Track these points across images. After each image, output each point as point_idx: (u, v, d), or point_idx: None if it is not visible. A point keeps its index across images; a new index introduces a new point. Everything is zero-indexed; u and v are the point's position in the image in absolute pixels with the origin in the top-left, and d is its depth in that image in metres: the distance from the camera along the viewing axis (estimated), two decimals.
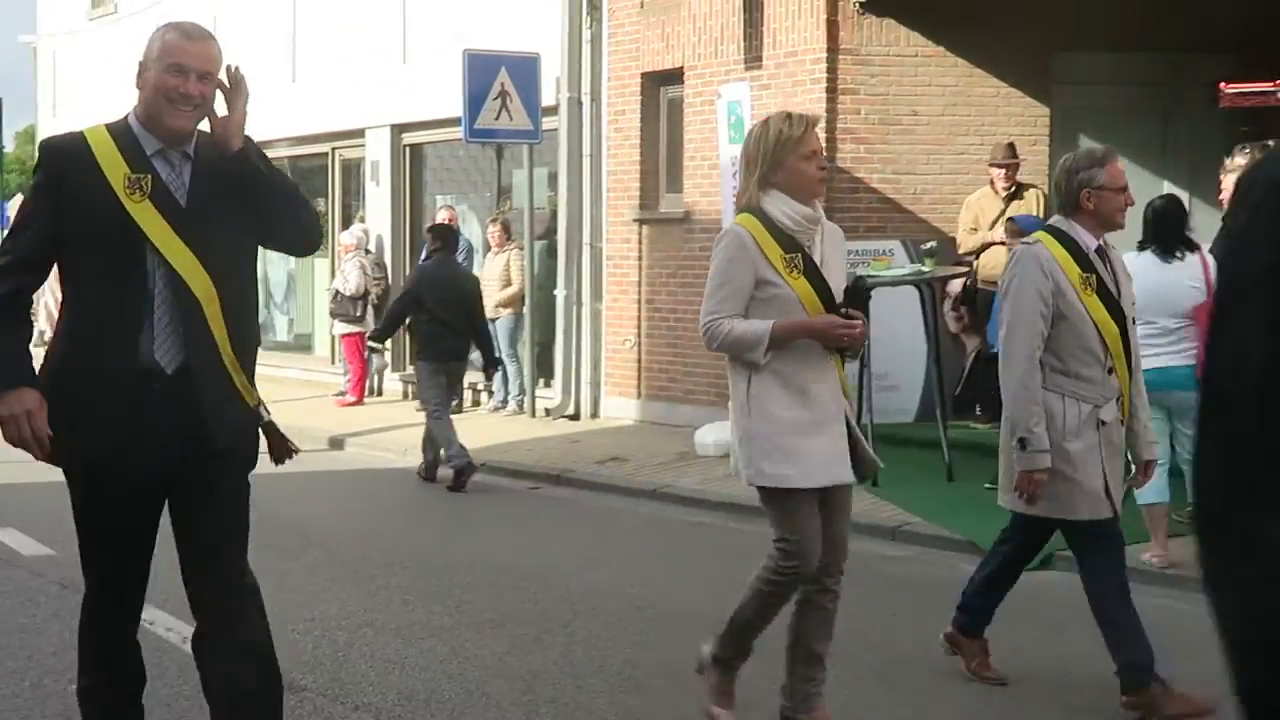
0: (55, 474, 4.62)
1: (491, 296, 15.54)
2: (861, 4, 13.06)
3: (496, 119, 15.40)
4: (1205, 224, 10.76)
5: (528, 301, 15.90)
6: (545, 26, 15.53)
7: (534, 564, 9.29)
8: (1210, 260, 8.29)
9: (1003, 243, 11.39)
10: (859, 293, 5.30)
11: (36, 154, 4.65)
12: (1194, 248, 8.38)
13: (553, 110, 15.61)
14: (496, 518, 11.28)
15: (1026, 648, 7.16)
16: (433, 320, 12.54)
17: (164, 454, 4.46)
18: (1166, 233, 8.43)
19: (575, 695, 6.48)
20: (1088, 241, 6.03)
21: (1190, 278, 8.36)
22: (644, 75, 15.07)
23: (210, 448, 4.48)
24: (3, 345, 4.45)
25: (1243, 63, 13.34)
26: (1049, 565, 8.45)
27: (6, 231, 4.48)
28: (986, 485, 10.54)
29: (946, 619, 6.82)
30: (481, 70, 15.36)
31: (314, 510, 11.33)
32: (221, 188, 4.51)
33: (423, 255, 16.12)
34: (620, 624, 7.63)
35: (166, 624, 7.13)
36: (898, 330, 11.97)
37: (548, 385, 16.05)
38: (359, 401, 17.54)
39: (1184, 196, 10.85)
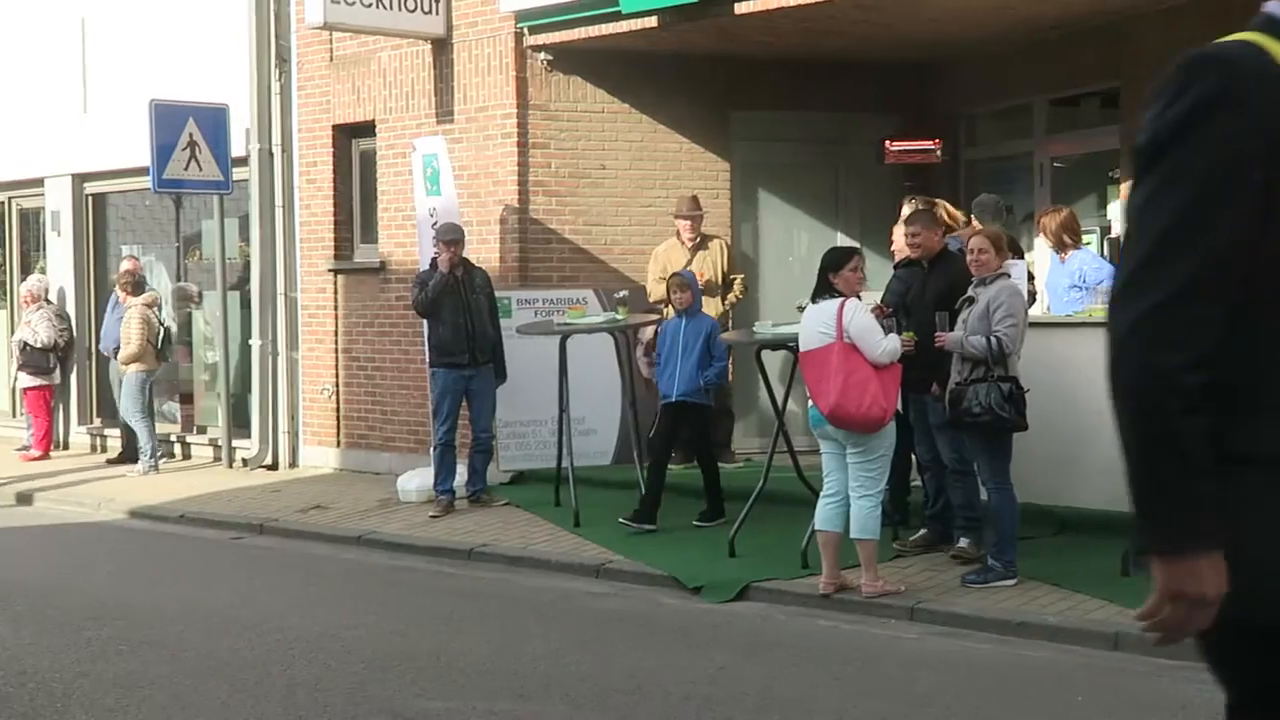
0: None
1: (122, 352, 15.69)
2: (549, 61, 13.53)
3: (185, 169, 15.38)
4: (875, 270, 11.53)
5: (219, 351, 15.87)
6: (234, 78, 15.56)
7: (246, 611, 9.38)
8: (850, 309, 8.74)
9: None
10: None
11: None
12: (837, 294, 8.82)
13: (244, 161, 15.64)
14: (202, 568, 11.26)
15: None
16: None
17: None
18: (819, 280, 9.00)
19: None
20: None
21: (820, 322, 8.86)
22: (335, 127, 15.24)
23: None
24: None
25: (903, 122, 14.34)
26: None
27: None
28: (695, 522, 11.05)
29: (649, 649, 7.09)
30: (169, 120, 15.32)
31: (8, 565, 11.13)
32: None
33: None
34: (339, 667, 7.80)
35: None
36: (593, 376, 12.44)
37: (244, 435, 16.00)
38: (45, 455, 17.13)
39: (857, 245, 11.60)
